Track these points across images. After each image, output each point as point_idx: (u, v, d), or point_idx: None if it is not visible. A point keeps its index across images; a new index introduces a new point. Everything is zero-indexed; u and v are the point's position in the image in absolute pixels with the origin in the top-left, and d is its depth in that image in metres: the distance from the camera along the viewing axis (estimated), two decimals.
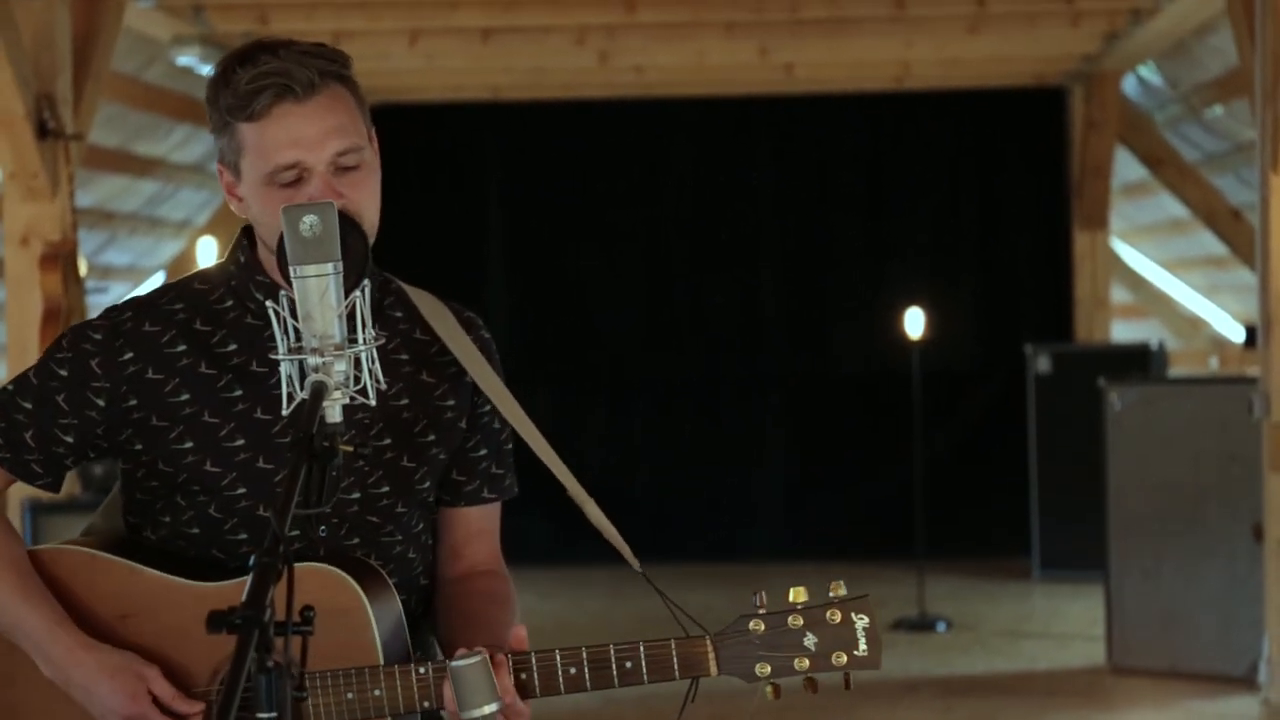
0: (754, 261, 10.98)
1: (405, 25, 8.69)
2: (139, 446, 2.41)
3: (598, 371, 10.76)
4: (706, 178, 11.00)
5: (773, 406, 10.95)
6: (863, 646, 2.31)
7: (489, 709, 2.16)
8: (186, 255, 11.36)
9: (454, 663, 2.17)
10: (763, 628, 2.30)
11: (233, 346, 2.39)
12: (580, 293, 10.93)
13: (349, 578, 2.27)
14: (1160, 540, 7.37)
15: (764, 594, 2.33)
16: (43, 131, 6.73)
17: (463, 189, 10.66)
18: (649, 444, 10.87)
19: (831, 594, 2.32)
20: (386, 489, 2.43)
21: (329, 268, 2.13)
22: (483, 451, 2.52)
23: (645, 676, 2.28)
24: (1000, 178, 10.88)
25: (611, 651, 2.28)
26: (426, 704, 2.26)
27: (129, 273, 11.43)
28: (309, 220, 2.13)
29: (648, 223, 11.01)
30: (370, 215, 2.37)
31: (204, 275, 2.47)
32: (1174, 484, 7.33)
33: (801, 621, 2.31)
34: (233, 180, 2.39)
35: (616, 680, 2.28)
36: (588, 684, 2.28)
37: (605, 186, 11.00)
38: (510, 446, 2.55)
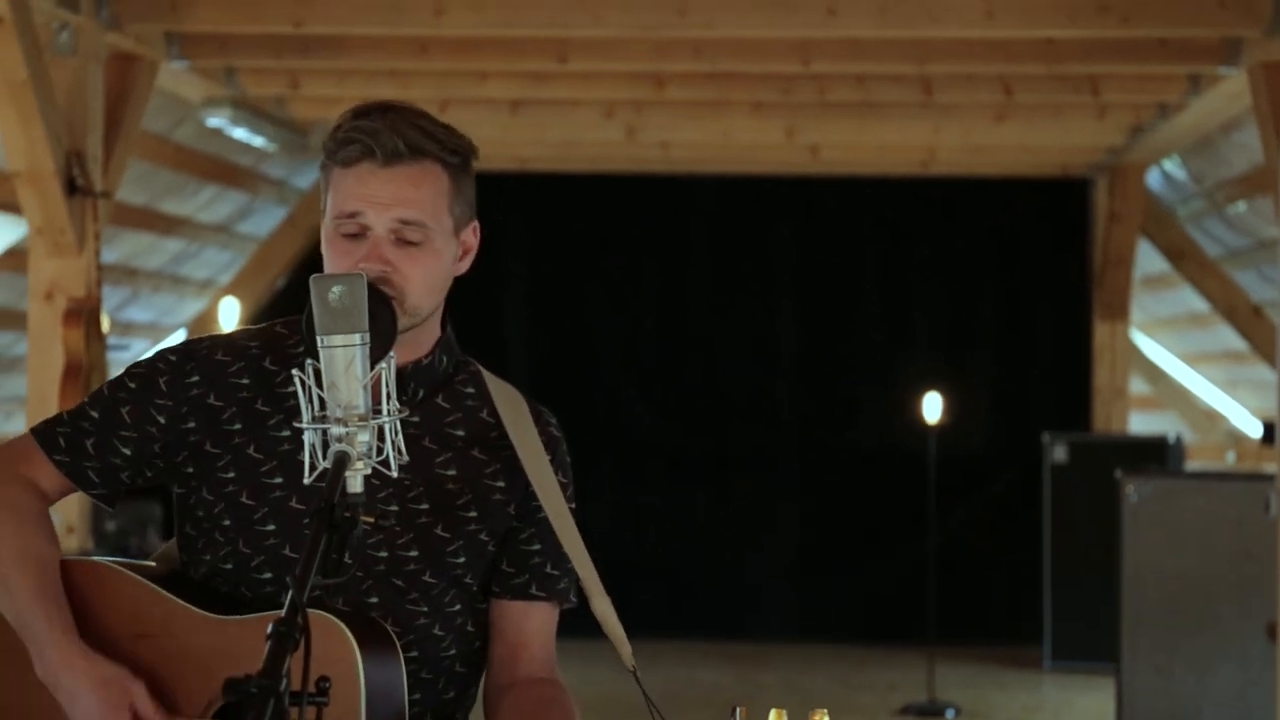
0: (772, 339, 11.00)
1: (435, 95, 8.75)
2: (190, 470, 2.44)
3: (612, 442, 10.76)
4: (728, 254, 11.03)
5: (785, 484, 10.93)
6: None
7: None
8: (209, 314, 11.40)
9: None
10: None
11: (291, 389, 2.41)
12: (599, 364, 10.95)
13: (345, 628, 2.25)
14: (1173, 635, 7.34)
15: (743, 710, 2.25)
16: (71, 188, 6.77)
17: (486, 257, 10.66)
18: (660, 518, 10.86)
19: None
20: (415, 554, 2.41)
21: (356, 339, 2.14)
22: (536, 546, 2.49)
23: None
24: (1022, 266, 10.91)
25: None
26: None
27: (150, 330, 11.48)
28: (337, 290, 2.14)
29: (668, 297, 11.04)
30: (415, 294, 2.38)
31: (288, 320, 2.51)
32: (1188, 578, 7.30)
33: None
34: (324, 216, 2.46)
35: None
36: None
37: (627, 259, 11.04)
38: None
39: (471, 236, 2.49)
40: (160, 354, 2.50)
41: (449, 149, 2.41)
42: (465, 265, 2.50)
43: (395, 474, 2.20)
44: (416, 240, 2.38)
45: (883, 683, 9.34)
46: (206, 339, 2.53)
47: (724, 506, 10.90)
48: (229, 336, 2.52)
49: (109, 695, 2.29)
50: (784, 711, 2.24)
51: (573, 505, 2.51)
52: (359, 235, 2.38)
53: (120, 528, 9.66)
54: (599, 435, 10.74)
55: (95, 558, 2.49)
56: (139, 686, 2.30)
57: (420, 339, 2.46)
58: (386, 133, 2.37)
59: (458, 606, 2.46)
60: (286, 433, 2.41)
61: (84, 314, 6.89)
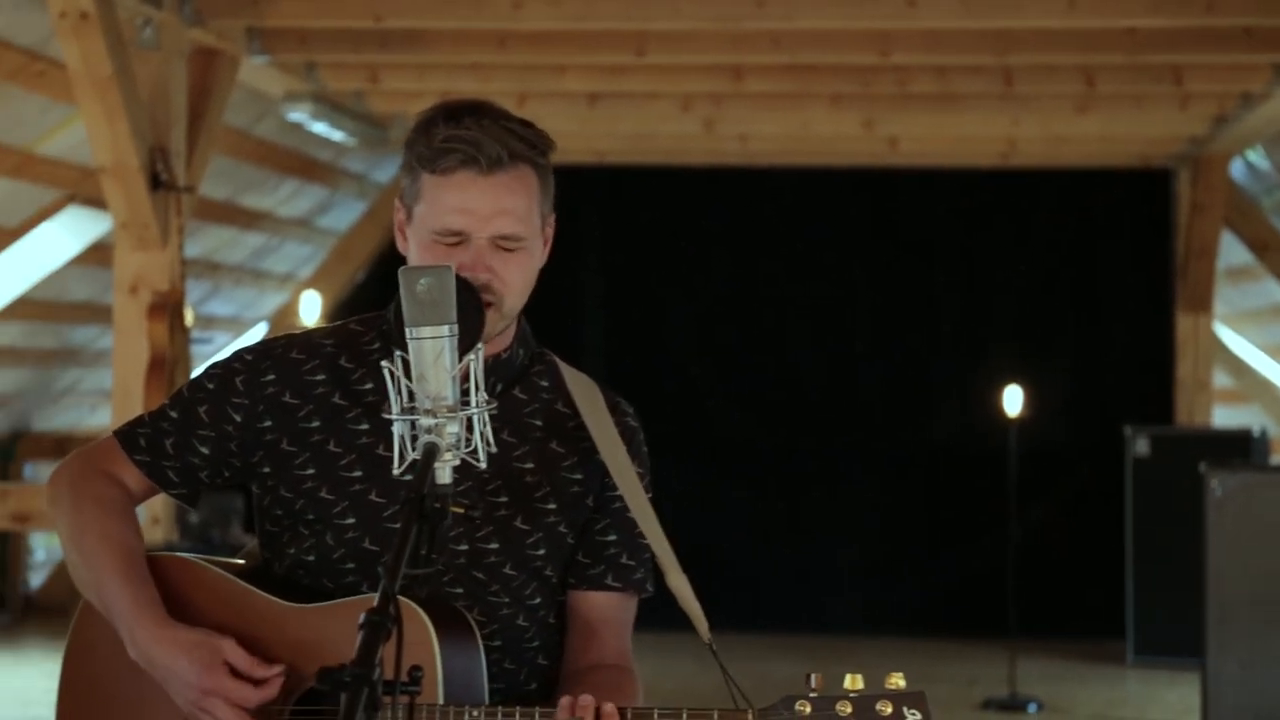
0: (849, 332, 10.96)
1: (513, 88, 8.78)
2: (267, 469, 2.46)
3: (686, 435, 10.73)
4: (805, 247, 10.99)
5: (862, 477, 10.89)
6: None
7: None
8: (289, 308, 11.48)
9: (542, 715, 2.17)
10: (809, 710, 2.24)
11: (369, 385, 2.43)
12: (676, 358, 10.94)
13: (421, 612, 2.27)
14: (1260, 630, 7.25)
15: (819, 676, 2.27)
16: (155, 183, 6.83)
17: (561, 250, 10.69)
18: (738, 511, 10.83)
19: (888, 685, 2.25)
20: (495, 546, 2.43)
21: (444, 330, 2.15)
22: (612, 537, 2.50)
23: None
24: (1104, 258, 10.82)
25: (655, 714, 2.25)
26: None
27: (232, 323, 11.56)
28: (425, 282, 2.15)
29: (744, 289, 11.02)
30: (513, 297, 2.42)
31: (363, 318, 2.53)
32: (1275, 573, 7.22)
33: (850, 709, 2.23)
34: (404, 220, 2.46)
35: None
36: None
37: (704, 252, 11.03)
38: (647, 543, 2.51)
39: (550, 230, 2.51)
40: (237, 354, 2.52)
41: (539, 150, 2.43)
42: (545, 257, 2.52)
43: (484, 465, 2.20)
44: (513, 247, 2.40)
45: (963, 676, 9.30)
46: (282, 338, 2.55)
47: (799, 499, 10.87)
48: (305, 335, 2.54)
49: (200, 656, 2.31)
50: (859, 676, 2.25)
51: (650, 495, 2.52)
52: (457, 244, 2.39)
53: (204, 520, 9.75)
54: (672, 427, 10.72)
55: (180, 553, 2.51)
56: (228, 642, 2.33)
57: (500, 334, 2.47)
58: (486, 140, 2.37)
59: (539, 599, 2.47)
60: (365, 426, 2.42)
61: (168, 308, 6.95)
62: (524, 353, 2.52)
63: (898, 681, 2.24)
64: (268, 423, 2.45)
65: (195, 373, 2.56)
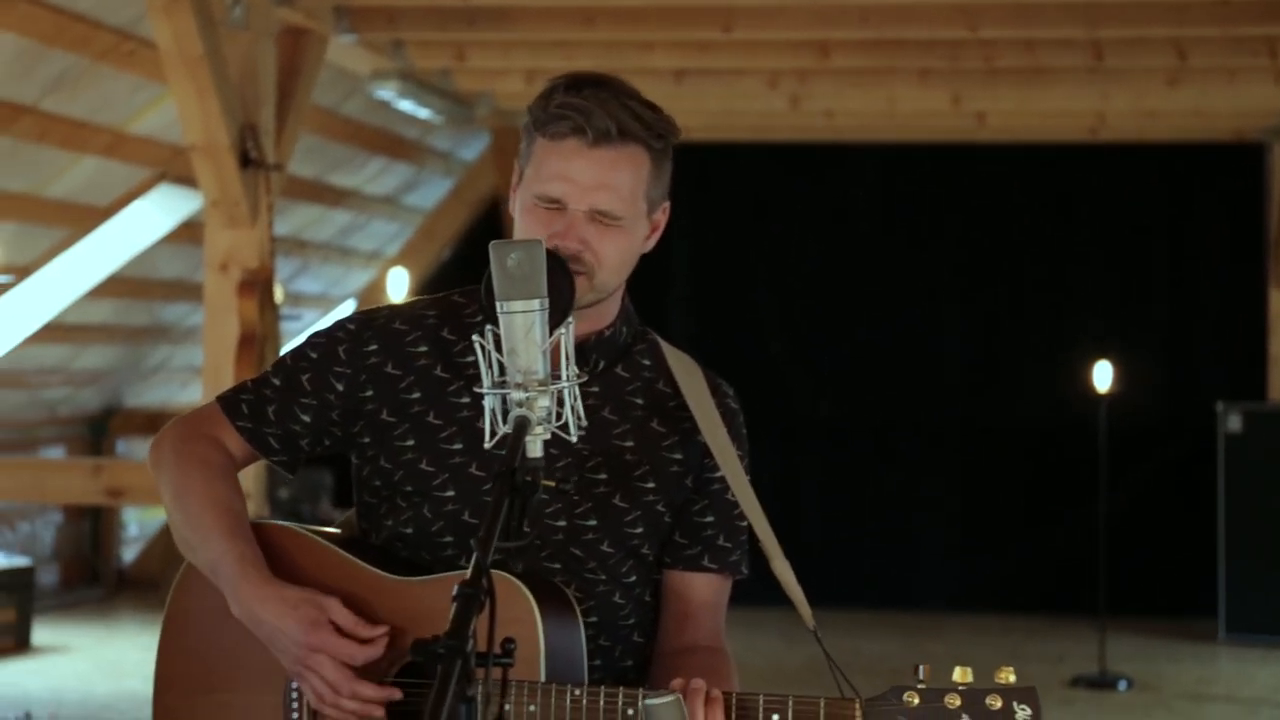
0: (936, 308, 10.90)
1: (600, 65, 8.73)
2: (367, 439, 2.47)
3: (774, 413, 10.72)
4: (892, 224, 10.94)
5: (951, 454, 10.84)
6: None
7: None
8: (376, 285, 11.54)
9: (648, 700, 2.17)
10: (917, 701, 2.22)
11: (471, 358, 2.43)
12: (760, 335, 10.93)
13: (525, 589, 2.27)
14: None
15: (927, 667, 2.25)
16: (245, 161, 6.88)
17: None
18: (824, 487, 10.82)
19: (998, 680, 2.23)
20: (593, 523, 2.43)
21: (535, 304, 2.14)
22: (709, 518, 2.49)
23: None
24: (1195, 233, 10.70)
25: (760, 702, 2.24)
26: None
27: (320, 301, 11.64)
28: (515, 256, 2.15)
29: (830, 268, 10.98)
30: (605, 272, 2.40)
31: (466, 290, 2.54)
32: None
33: (959, 702, 2.22)
34: (516, 181, 2.46)
35: None
36: None
37: (790, 230, 11.00)
38: (745, 524, 2.50)
39: (662, 216, 2.50)
40: (340, 323, 2.52)
41: (655, 133, 2.41)
42: (652, 244, 2.51)
43: (575, 439, 2.20)
44: (610, 223, 2.39)
45: (1052, 653, 9.24)
46: (385, 308, 2.55)
47: (888, 476, 10.84)
48: (408, 306, 2.54)
49: (307, 614, 2.32)
50: (969, 669, 2.23)
51: (749, 476, 2.51)
52: (555, 209, 2.38)
53: (293, 495, 9.83)
54: (760, 405, 10.68)
55: (281, 522, 2.52)
56: (334, 600, 2.33)
57: (602, 311, 2.47)
58: (599, 113, 2.36)
59: (635, 577, 2.47)
60: (466, 399, 2.42)
61: (258, 285, 7.00)
62: (627, 331, 2.51)
63: (1008, 676, 2.22)
64: (369, 392, 2.46)
65: (298, 341, 2.57)
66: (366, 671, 2.34)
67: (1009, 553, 10.64)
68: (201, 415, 2.54)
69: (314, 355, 2.49)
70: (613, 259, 2.40)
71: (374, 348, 2.47)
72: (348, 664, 2.30)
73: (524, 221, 2.40)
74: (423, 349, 2.47)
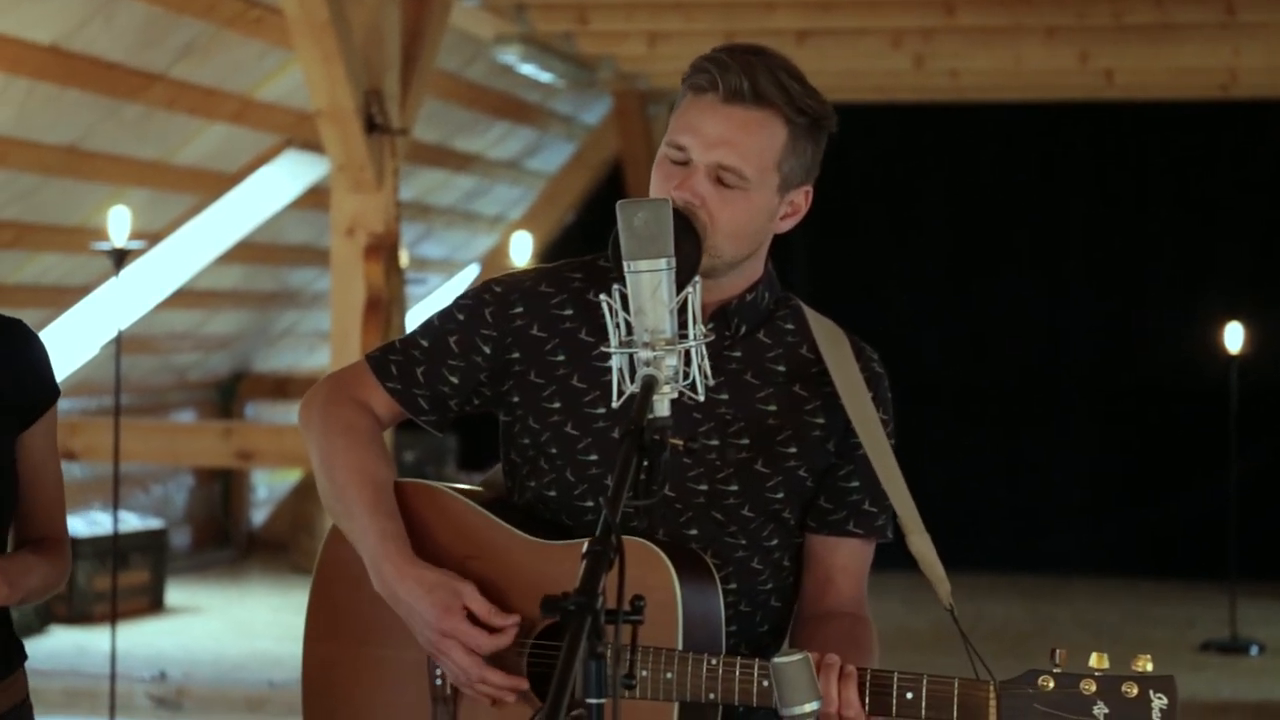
0: (1063, 270, 10.78)
1: (720, 27, 8.74)
2: (515, 399, 2.48)
3: (899, 375, 10.61)
4: (1018, 184, 10.83)
5: (1078, 415, 10.73)
6: None
7: (809, 707, 2.14)
8: (500, 249, 11.59)
9: (776, 659, 2.16)
10: (1051, 685, 2.19)
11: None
12: (884, 296, 10.86)
13: (665, 557, 2.27)
14: None
15: (1063, 652, 2.22)
16: (370, 126, 6.93)
17: None
18: (949, 450, 10.74)
19: (1135, 667, 2.20)
20: (735, 488, 2.41)
21: (662, 263, 2.14)
22: (854, 483, 2.47)
23: (924, 712, 2.21)
24: None
25: (895, 679, 2.23)
26: (712, 695, 2.24)
27: (444, 265, 11.72)
28: (642, 216, 2.14)
29: (954, 228, 10.89)
30: (718, 234, 2.36)
31: (609, 255, 2.53)
32: None
33: (1094, 688, 2.18)
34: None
35: (894, 708, 2.22)
36: (865, 706, 2.22)
37: (914, 192, 10.92)
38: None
39: (803, 199, 2.46)
40: (486, 285, 2.53)
41: (796, 106, 2.37)
42: (788, 225, 2.47)
43: (702, 398, 2.19)
44: (732, 184, 2.36)
45: (1181, 618, 9.14)
46: (531, 271, 2.55)
47: (1014, 438, 10.75)
48: (554, 268, 2.54)
49: (441, 598, 2.34)
50: (1105, 655, 2.20)
51: (893, 442, 2.49)
52: (681, 164, 2.37)
53: (418, 458, 9.92)
54: (884, 365, 10.63)
55: (426, 481, 2.53)
56: (468, 586, 2.34)
57: (746, 274, 2.45)
58: (736, 71, 2.34)
59: (775, 541, 2.45)
60: (610, 363, 2.42)
61: (384, 249, 7.05)
62: (769, 296, 2.49)
63: (1145, 664, 2.19)
64: (515, 354, 2.47)
65: (443, 304, 2.58)
66: (497, 651, 2.35)
67: (1137, 516, 10.52)
68: (349, 375, 2.55)
69: (461, 317, 2.50)
70: (728, 225, 2.36)
71: (520, 310, 2.47)
72: (476, 651, 2.32)
73: (654, 174, 2.40)
74: (568, 312, 2.47)
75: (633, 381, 2.14)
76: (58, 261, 8.14)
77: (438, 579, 2.35)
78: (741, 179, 2.36)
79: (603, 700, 1.79)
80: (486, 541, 2.41)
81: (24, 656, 2.59)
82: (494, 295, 2.49)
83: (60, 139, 7.22)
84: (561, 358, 2.45)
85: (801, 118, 2.38)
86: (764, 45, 2.41)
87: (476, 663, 2.32)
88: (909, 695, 2.21)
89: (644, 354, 2.12)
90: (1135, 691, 2.17)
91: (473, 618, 2.33)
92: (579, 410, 2.43)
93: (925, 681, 2.21)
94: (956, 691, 2.20)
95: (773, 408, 2.44)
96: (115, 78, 7.03)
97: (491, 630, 2.33)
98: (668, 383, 2.11)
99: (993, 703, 2.20)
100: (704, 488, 2.41)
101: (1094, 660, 2.20)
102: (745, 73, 2.33)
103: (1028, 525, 10.64)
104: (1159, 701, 2.17)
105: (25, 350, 2.56)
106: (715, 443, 2.41)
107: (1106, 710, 2.18)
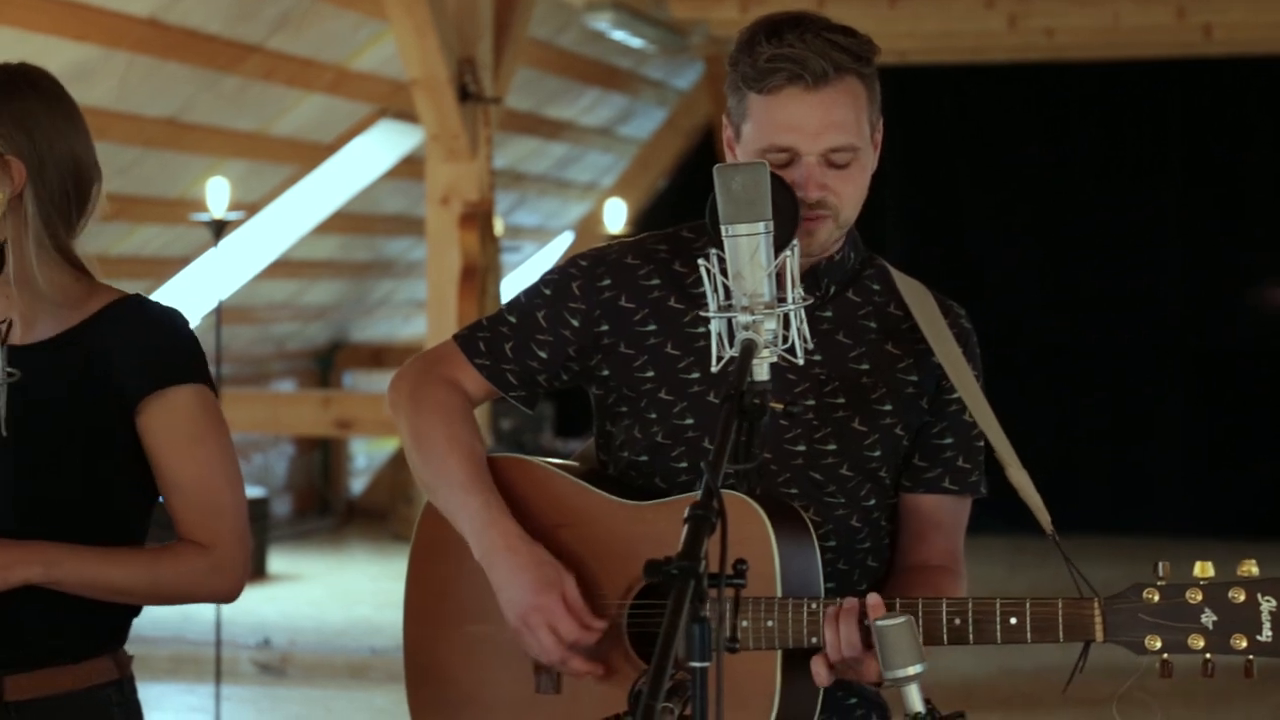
0: (1162, 230, 10.67)
1: None
2: (606, 372, 2.50)
3: (993, 338, 10.56)
4: (1115, 144, 10.73)
5: (1177, 378, 10.63)
6: (1267, 632, 2.15)
7: (913, 670, 2.14)
8: (593, 216, 11.61)
9: (878, 622, 2.16)
10: (1157, 598, 2.19)
11: (703, 289, 2.43)
12: (978, 257, 10.80)
13: (759, 509, 2.28)
14: None
15: (1166, 565, 2.22)
16: (464, 95, 6.95)
17: None
18: (1047, 412, 10.67)
19: (1240, 573, 2.18)
20: (833, 447, 2.42)
21: (760, 227, 2.14)
22: (948, 440, 2.48)
23: (1029, 635, 2.21)
24: None
25: (997, 606, 2.23)
26: (815, 639, 2.25)
27: (537, 233, 11.75)
28: (740, 180, 2.15)
29: (1050, 189, 10.80)
30: (848, 210, 2.41)
31: (694, 225, 2.54)
32: None
33: (1200, 597, 2.18)
34: (732, 138, 2.45)
35: (999, 635, 2.22)
36: (970, 637, 2.23)
37: (1009, 152, 10.84)
38: (983, 445, 2.49)
39: (879, 134, 2.48)
40: (572, 259, 2.54)
41: (862, 59, 2.39)
42: (875, 161, 2.49)
43: (801, 361, 2.20)
44: (845, 161, 2.38)
45: None
46: (616, 244, 2.56)
47: (1114, 399, 10.67)
48: (637, 241, 2.55)
49: (544, 575, 2.36)
50: (1209, 564, 2.19)
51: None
52: (787, 165, 2.37)
53: (515, 426, 9.96)
54: (979, 327, 10.55)
55: (517, 454, 2.56)
56: (570, 578, 2.37)
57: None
58: (812, 56, 2.35)
59: (873, 500, 2.46)
60: (702, 329, 2.43)
61: (478, 217, 7.09)
62: (855, 256, 2.50)
63: (1250, 569, 2.18)
64: (604, 327, 2.48)
65: (530, 279, 2.59)
66: (598, 600, 2.38)
67: (1240, 478, 10.42)
68: (438, 354, 2.57)
69: (548, 292, 2.51)
70: (853, 196, 2.41)
71: (607, 283, 2.49)
72: (562, 636, 2.34)
73: None
74: (655, 282, 2.48)
75: (731, 346, 2.14)
76: (158, 233, 8.23)
77: (545, 558, 2.37)
78: (852, 152, 2.38)
79: (707, 664, 1.80)
80: (578, 509, 2.43)
81: (119, 641, 2.57)
82: (580, 269, 2.51)
83: (160, 111, 7.29)
84: (652, 327, 2.46)
85: (867, 67, 2.40)
86: (790, 11, 2.41)
87: (558, 644, 2.35)
88: (1013, 620, 2.22)
89: (743, 318, 2.13)
90: (1243, 596, 2.16)
91: (567, 607, 2.36)
92: (673, 376, 2.44)
93: (1029, 605, 2.22)
94: (1061, 611, 2.21)
95: (866, 366, 2.45)
96: (213, 50, 7.10)
97: (580, 624, 2.35)
98: (767, 346, 2.11)
99: (1098, 619, 2.20)
100: (801, 449, 2.42)
101: (1198, 569, 2.19)
102: (818, 53, 2.34)
103: (1129, 487, 10.56)
104: (1268, 604, 2.16)
105: (139, 332, 2.46)
106: (811, 403, 2.42)
107: (1215, 618, 2.17)
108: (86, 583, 2.41)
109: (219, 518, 2.47)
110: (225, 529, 2.47)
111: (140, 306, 2.49)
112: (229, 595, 2.49)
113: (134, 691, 2.56)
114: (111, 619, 2.51)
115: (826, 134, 2.35)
